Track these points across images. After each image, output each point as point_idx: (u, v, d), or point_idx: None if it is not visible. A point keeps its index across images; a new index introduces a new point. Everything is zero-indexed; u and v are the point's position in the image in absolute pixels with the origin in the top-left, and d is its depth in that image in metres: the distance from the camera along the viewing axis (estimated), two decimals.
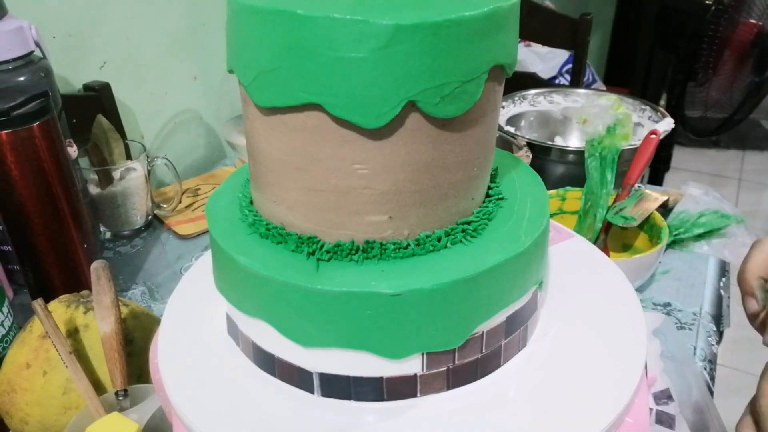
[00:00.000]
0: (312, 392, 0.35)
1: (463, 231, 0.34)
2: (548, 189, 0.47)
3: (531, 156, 0.81)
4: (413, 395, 0.34)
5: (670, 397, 0.52)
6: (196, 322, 0.41)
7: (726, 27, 1.61)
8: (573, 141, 0.97)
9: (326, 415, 0.34)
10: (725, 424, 0.52)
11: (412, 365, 0.33)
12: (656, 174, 1.87)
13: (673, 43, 1.73)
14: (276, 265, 0.33)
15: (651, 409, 0.51)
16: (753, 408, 0.41)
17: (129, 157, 0.84)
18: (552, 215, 0.77)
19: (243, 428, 0.33)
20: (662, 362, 0.57)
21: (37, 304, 0.47)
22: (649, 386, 0.38)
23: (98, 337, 0.49)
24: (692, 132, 1.89)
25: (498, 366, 0.36)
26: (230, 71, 0.33)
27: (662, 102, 2.05)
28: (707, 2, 1.61)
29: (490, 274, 0.32)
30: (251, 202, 0.38)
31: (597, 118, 0.81)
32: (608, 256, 0.59)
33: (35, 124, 0.57)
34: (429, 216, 0.33)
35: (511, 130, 0.90)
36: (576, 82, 1.43)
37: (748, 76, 1.71)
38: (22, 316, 0.59)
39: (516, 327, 0.36)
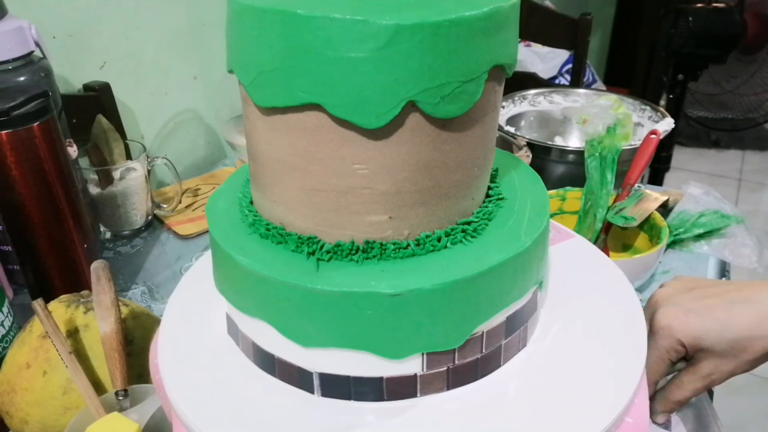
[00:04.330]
0: (312, 392, 0.35)
1: (463, 231, 0.34)
2: (548, 189, 0.47)
3: (531, 156, 0.81)
4: (413, 395, 0.34)
5: None
6: (196, 322, 0.41)
7: (742, 27, 1.61)
8: (573, 141, 0.97)
9: (326, 415, 0.34)
10: (724, 425, 0.52)
11: (412, 365, 0.33)
12: (656, 174, 1.87)
13: (685, 51, 1.73)
14: (276, 265, 0.33)
15: None
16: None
17: (129, 157, 0.84)
18: (552, 215, 0.77)
19: (243, 428, 0.33)
20: None
21: (37, 304, 0.47)
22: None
23: (98, 337, 0.49)
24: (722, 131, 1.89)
25: (498, 366, 0.36)
26: (230, 71, 0.33)
27: (662, 102, 2.04)
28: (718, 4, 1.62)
29: (490, 274, 0.32)
30: (251, 202, 0.38)
31: (597, 118, 0.81)
32: (608, 256, 0.59)
33: (35, 124, 0.57)
34: (429, 216, 0.33)
35: (511, 130, 0.90)
36: (576, 82, 1.43)
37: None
38: (22, 316, 0.59)
39: (516, 327, 0.36)
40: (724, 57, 1.76)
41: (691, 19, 1.64)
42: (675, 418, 0.50)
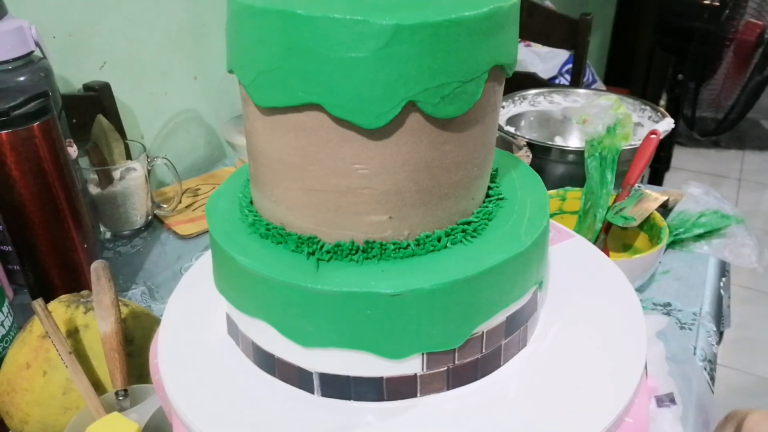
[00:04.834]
0: (312, 392, 0.35)
1: (463, 231, 0.34)
2: (548, 189, 0.47)
3: (531, 156, 0.81)
4: (413, 395, 0.34)
5: (673, 401, 0.52)
6: (196, 322, 0.41)
7: (729, 27, 1.61)
8: (573, 141, 0.97)
9: (326, 415, 0.34)
10: None
11: (412, 365, 0.33)
12: (656, 174, 1.87)
13: (675, 44, 1.73)
14: (276, 265, 0.33)
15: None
16: None
17: (129, 157, 0.84)
18: (552, 215, 0.77)
19: (243, 428, 0.33)
20: (667, 365, 0.57)
21: (37, 304, 0.47)
22: (651, 395, 0.38)
23: (98, 337, 0.49)
24: (698, 132, 1.89)
25: (498, 366, 0.36)
26: (230, 71, 0.33)
27: (662, 102, 2.05)
28: (707, 2, 1.61)
29: (490, 274, 0.32)
30: (251, 202, 0.38)
31: (597, 118, 0.81)
32: (608, 256, 0.59)
33: (35, 124, 0.57)
34: (429, 216, 0.33)
35: (511, 130, 0.90)
36: (576, 82, 1.43)
37: (751, 76, 1.71)
38: (22, 316, 0.59)
39: (516, 327, 0.36)
40: (703, 53, 1.73)
41: (665, 6, 1.64)
42: (674, 418, 0.50)
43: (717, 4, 1.62)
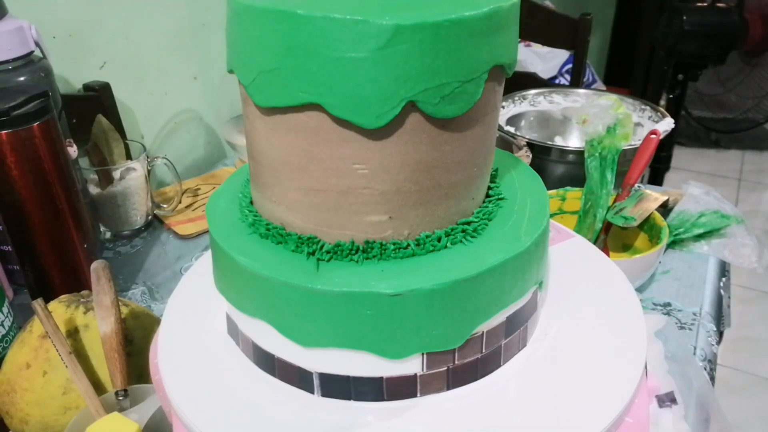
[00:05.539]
0: (312, 392, 0.35)
1: (463, 231, 0.34)
2: (548, 189, 0.47)
3: (531, 156, 0.81)
4: (413, 395, 0.34)
5: (673, 400, 0.52)
6: (196, 322, 0.41)
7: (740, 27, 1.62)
8: (573, 141, 0.97)
9: (326, 415, 0.34)
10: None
11: (412, 365, 0.33)
12: (656, 174, 1.87)
13: (681, 49, 1.73)
14: (276, 265, 0.33)
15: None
16: None
17: (129, 157, 0.84)
18: (552, 215, 0.77)
19: (243, 428, 0.33)
20: (666, 364, 0.57)
21: (37, 304, 0.47)
22: (652, 394, 0.38)
23: (98, 337, 0.49)
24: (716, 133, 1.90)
25: (498, 366, 0.36)
26: (230, 71, 0.33)
27: (662, 102, 2.05)
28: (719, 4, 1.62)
29: (490, 274, 0.32)
30: (251, 202, 0.38)
31: (597, 118, 0.81)
32: (608, 256, 0.59)
33: (35, 124, 0.57)
34: (429, 216, 0.33)
35: (511, 130, 0.90)
36: (576, 82, 1.43)
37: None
38: (22, 316, 0.59)
39: (516, 327, 0.36)
40: (722, 57, 1.76)
41: (684, 17, 1.64)
42: (677, 416, 0.50)
43: (726, 4, 1.63)
